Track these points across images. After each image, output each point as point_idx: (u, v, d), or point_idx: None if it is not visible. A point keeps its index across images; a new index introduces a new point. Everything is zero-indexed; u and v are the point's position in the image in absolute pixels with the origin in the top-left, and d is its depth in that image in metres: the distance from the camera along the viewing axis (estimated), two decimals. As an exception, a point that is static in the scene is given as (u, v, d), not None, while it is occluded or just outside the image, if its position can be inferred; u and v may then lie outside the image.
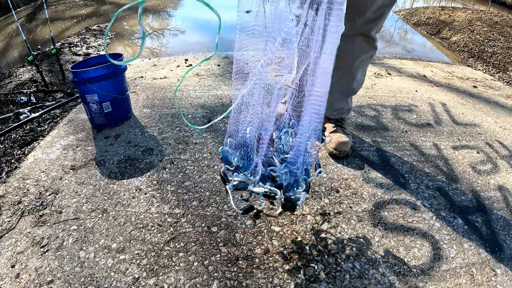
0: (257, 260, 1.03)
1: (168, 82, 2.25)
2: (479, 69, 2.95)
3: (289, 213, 1.18)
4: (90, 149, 1.55)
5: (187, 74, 2.39)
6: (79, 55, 3.03)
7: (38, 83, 2.32)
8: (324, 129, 1.57)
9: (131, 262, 1.02)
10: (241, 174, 0.87)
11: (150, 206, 1.22)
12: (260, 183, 0.85)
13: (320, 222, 1.16)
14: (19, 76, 2.45)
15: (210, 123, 1.04)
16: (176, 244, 1.08)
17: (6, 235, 1.12)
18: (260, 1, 0.77)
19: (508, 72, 2.84)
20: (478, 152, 1.58)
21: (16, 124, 1.69)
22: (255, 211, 0.95)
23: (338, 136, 1.46)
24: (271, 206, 1.21)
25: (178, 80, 2.28)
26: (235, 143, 0.89)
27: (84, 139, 1.62)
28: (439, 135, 1.70)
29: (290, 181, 0.86)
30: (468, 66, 3.06)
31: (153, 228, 1.13)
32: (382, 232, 1.13)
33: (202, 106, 1.91)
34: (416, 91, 2.22)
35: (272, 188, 0.83)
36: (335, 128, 1.51)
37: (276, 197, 0.84)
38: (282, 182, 0.85)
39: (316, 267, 1.01)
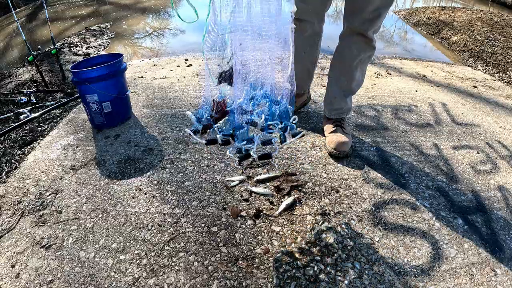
0: (257, 260, 1.03)
1: (168, 82, 2.25)
2: (479, 69, 2.95)
3: (289, 213, 1.19)
4: (90, 149, 1.55)
5: (187, 74, 2.39)
6: (79, 55, 3.03)
7: (38, 83, 2.32)
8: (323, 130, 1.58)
9: (131, 262, 1.02)
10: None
11: (150, 206, 1.22)
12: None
13: (320, 222, 1.16)
14: (19, 76, 2.45)
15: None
16: (176, 244, 1.08)
17: (6, 235, 1.12)
18: None
19: (508, 72, 2.84)
20: (478, 152, 1.58)
21: (16, 124, 1.69)
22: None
23: (337, 136, 1.45)
24: (271, 206, 1.22)
25: (178, 80, 2.28)
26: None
27: (84, 139, 1.62)
28: (439, 135, 1.70)
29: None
30: (468, 66, 3.06)
31: (153, 228, 1.13)
32: (382, 232, 1.13)
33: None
34: (416, 91, 2.22)
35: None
36: (334, 128, 1.51)
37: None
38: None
39: (316, 267, 1.01)
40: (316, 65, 1.63)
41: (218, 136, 0.96)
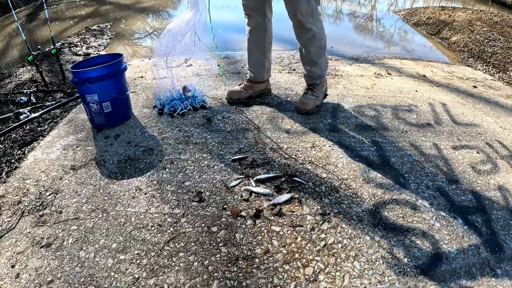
0: (257, 260, 1.03)
1: (168, 82, 2.24)
2: (479, 69, 2.95)
3: (289, 213, 1.19)
4: (90, 149, 1.55)
5: (187, 74, 2.38)
6: (79, 55, 3.03)
7: (38, 83, 2.32)
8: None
9: (131, 262, 1.02)
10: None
11: (150, 206, 1.22)
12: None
13: (320, 222, 1.16)
14: (19, 76, 2.45)
15: None
16: (176, 244, 1.08)
17: (6, 235, 1.12)
18: None
19: (508, 72, 2.84)
20: (478, 152, 1.58)
21: (16, 124, 1.69)
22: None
23: (302, 98, 1.83)
24: (272, 207, 1.22)
25: (178, 80, 2.27)
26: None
27: (84, 139, 1.62)
28: (439, 135, 1.70)
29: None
30: (468, 66, 3.06)
31: (153, 228, 1.13)
32: (382, 232, 1.13)
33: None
34: (416, 91, 2.22)
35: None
36: (306, 91, 1.86)
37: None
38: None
39: (316, 267, 1.01)
40: (268, 58, 1.90)
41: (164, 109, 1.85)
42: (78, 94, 1.98)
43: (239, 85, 2.03)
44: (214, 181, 1.33)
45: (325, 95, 1.93)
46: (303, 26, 1.62)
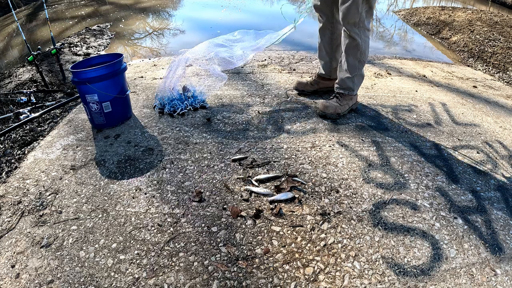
0: (257, 260, 1.03)
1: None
2: (479, 69, 2.95)
3: (289, 213, 1.19)
4: (90, 149, 1.55)
5: (187, 74, 2.38)
6: (79, 55, 3.03)
7: (38, 83, 2.32)
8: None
9: (131, 262, 1.02)
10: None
11: (150, 206, 1.22)
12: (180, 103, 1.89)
13: (320, 222, 1.16)
14: (19, 76, 2.45)
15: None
16: (176, 244, 1.08)
17: (6, 235, 1.12)
18: None
19: (508, 72, 2.84)
20: (478, 152, 1.58)
21: (16, 124, 1.69)
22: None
23: (325, 101, 1.81)
24: (271, 206, 1.22)
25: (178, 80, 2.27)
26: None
27: (84, 139, 1.62)
28: (439, 135, 1.70)
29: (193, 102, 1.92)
30: (468, 66, 3.06)
31: (153, 228, 1.13)
32: (382, 232, 1.13)
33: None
34: (416, 91, 2.22)
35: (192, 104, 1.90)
36: (331, 97, 1.84)
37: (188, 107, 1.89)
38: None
39: (316, 267, 1.01)
40: (335, 58, 1.91)
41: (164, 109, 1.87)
42: (78, 94, 1.98)
43: (309, 77, 2.15)
44: (214, 181, 1.33)
45: (352, 110, 1.87)
46: (347, 33, 1.65)
